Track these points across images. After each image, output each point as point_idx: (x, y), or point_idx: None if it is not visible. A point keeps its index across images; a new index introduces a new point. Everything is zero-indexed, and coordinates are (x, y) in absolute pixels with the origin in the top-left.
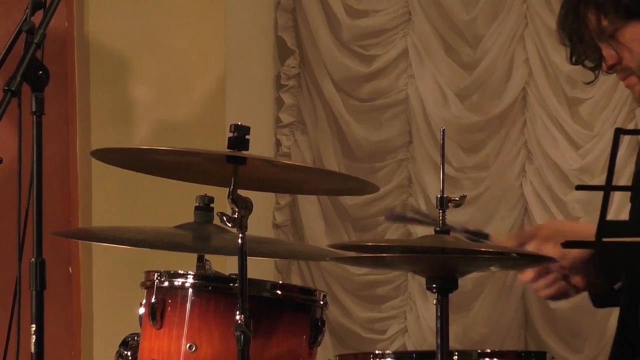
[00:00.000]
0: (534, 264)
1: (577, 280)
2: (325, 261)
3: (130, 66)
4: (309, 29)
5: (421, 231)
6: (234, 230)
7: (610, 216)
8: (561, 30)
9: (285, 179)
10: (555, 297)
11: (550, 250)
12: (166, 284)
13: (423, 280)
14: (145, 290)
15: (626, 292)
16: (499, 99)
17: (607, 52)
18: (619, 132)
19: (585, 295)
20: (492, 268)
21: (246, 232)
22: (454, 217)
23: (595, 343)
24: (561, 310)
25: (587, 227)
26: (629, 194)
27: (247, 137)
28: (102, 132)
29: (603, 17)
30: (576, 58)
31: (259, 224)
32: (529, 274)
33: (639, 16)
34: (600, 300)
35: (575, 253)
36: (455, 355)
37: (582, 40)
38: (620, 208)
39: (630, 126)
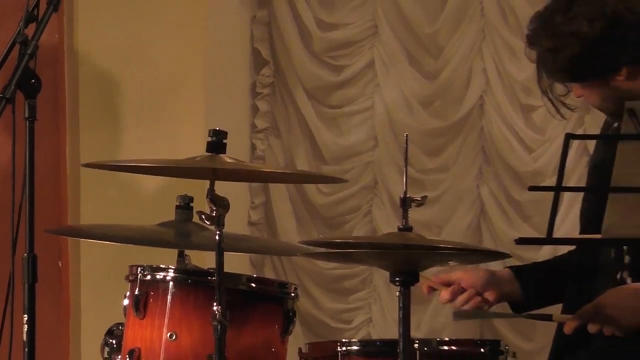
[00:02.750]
0: (489, 259)
1: (489, 295)
2: (297, 256)
3: (116, 76)
4: (283, 41)
5: (385, 229)
6: (212, 227)
7: (559, 214)
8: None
9: (260, 177)
10: (461, 315)
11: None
12: (149, 277)
13: (387, 274)
14: (129, 283)
15: (571, 285)
16: (458, 106)
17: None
18: (569, 137)
19: None
20: (451, 263)
21: (223, 229)
22: (416, 215)
23: (545, 332)
24: None
25: (636, 287)
26: (577, 194)
27: (224, 141)
28: (90, 137)
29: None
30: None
31: (235, 222)
32: (445, 295)
33: (577, 80)
34: (517, 309)
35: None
36: (416, 343)
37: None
38: (569, 207)
39: (580, 131)
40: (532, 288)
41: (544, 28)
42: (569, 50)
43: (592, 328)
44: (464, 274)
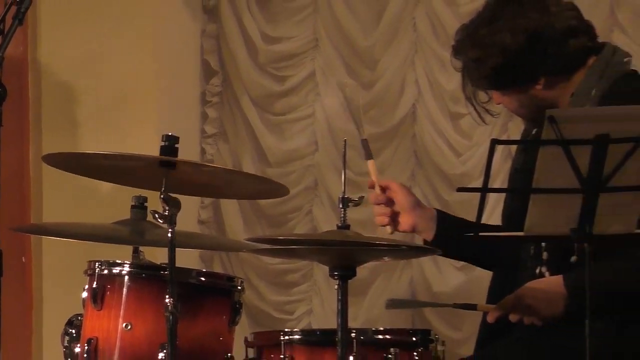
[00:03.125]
0: (420, 254)
1: (404, 220)
2: (243, 252)
3: (76, 85)
4: (230, 53)
5: (325, 227)
6: (165, 225)
7: (485, 213)
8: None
9: (210, 183)
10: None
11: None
12: (106, 271)
13: (326, 268)
14: (88, 277)
15: (494, 278)
16: (392, 114)
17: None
18: (494, 143)
19: (465, 280)
20: (385, 258)
21: (175, 227)
22: (353, 214)
23: (472, 322)
24: (442, 295)
25: (553, 281)
26: (501, 195)
27: (176, 145)
28: (52, 141)
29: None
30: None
31: (186, 220)
32: (372, 197)
33: (498, 88)
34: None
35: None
36: (353, 332)
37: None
38: (494, 207)
39: (504, 137)
40: (443, 236)
41: (470, 39)
42: (492, 60)
43: (513, 317)
44: (399, 189)
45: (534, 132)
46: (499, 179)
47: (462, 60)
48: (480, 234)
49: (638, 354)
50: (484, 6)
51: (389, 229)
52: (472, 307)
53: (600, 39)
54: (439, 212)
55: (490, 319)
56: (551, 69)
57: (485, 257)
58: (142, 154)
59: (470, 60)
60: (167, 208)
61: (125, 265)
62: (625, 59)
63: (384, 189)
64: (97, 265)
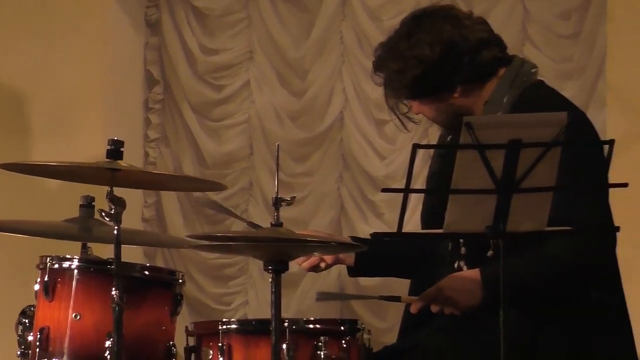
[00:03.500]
0: (346, 249)
1: (327, 257)
2: (184, 248)
3: (27, 93)
4: (171, 64)
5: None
6: (111, 223)
7: (407, 212)
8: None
9: (153, 182)
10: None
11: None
12: (56, 266)
13: (261, 263)
14: (40, 271)
15: (416, 272)
16: (321, 120)
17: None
18: (415, 147)
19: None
20: (315, 253)
21: (120, 225)
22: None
23: (395, 312)
24: (368, 287)
25: (471, 274)
26: (421, 196)
27: (121, 149)
28: (4, 146)
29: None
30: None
31: (131, 219)
32: (300, 259)
33: (418, 98)
34: (350, 272)
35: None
36: (286, 322)
37: (397, 105)
38: (415, 207)
39: (425, 142)
40: (362, 259)
41: (390, 53)
42: (412, 71)
43: (434, 308)
44: (312, 234)
45: (449, 138)
46: (420, 181)
47: (384, 74)
48: (403, 231)
49: (550, 342)
50: (401, 23)
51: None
52: (397, 298)
53: (512, 52)
54: (353, 237)
55: (413, 309)
56: (466, 78)
57: (401, 266)
58: (90, 163)
59: (391, 73)
60: (113, 207)
61: (74, 260)
62: (533, 70)
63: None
64: (48, 259)
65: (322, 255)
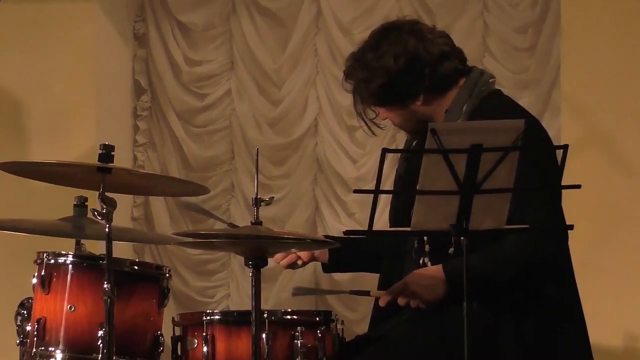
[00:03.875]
0: (320, 246)
1: (303, 255)
2: (170, 245)
3: (25, 101)
4: (158, 74)
5: (241, 223)
6: (103, 222)
7: (377, 212)
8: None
9: (141, 185)
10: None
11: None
12: (52, 261)
13: (242, 258)
14: (37, 266)
15: (384, 268)
16: (297, 126)
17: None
18: (384, 151)
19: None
20: (293, 250)
21: (111, 224)
22: (265, 212)
23: (366, 305)
24: (341, 282)
25: (434, 269)
26: (389, 197)
27: (112, 153)
28: (3, 152)
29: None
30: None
31: (121, 218)
32: (278, 256)
33: (384, 105)
34: (325, 268)
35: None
36: (265, 313)
37: (365, 112)
38: (384, 207)
39: (393, 146)
40: (335, 256)
41: (358, 63)
42: (378, 80)
43: (401, 301)
44: (289, 232)
45: (414, 143)
46: (389, 183)
47: (353, 82)
48: (374, 229)
49: (509, 331)
50: (369, 35)
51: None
52: (366, 293)
53: (473, 63)
54: (326, 236)
55: (382, 303)
56: (428, 87)
57: (371, 262)
58: (82, 162)
59: (359, 81)
60: (104, 207)
61: (69, 255)
62: (491, 80)
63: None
64: (45, 255)
65: (299, 252)
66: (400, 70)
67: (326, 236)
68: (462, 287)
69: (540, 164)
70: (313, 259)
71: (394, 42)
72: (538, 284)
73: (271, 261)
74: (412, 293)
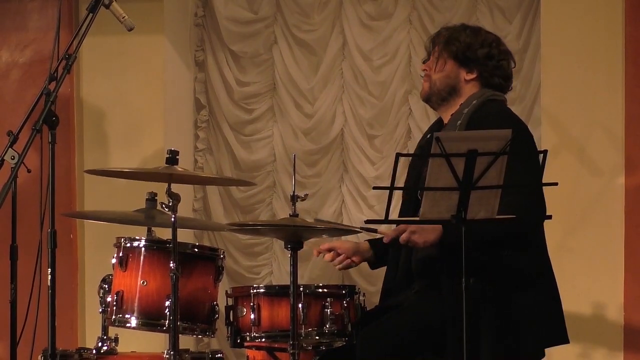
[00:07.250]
0: (347, 233)
1: (355, 258)
2: (224, 231)
3: (107, 114)
4: (214, 93)
5: (281, 214)
6: (169, 212)
7: (392, 205)
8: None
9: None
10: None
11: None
12: (129, 244)
13: (282, 242)
14: (116, 248)
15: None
16: (327, 135)
17: (430, 62)
18: (398, 155)
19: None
20: (324, 235)
21: (176, 214)
22: (301, 206)
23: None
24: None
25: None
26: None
27: (177, 157)
28: (91, 156)
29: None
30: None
31: (184, 209)
32: (328, 257)
33: (458, 60)
34: (371, 265)
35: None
36: (301, 287)
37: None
38: (398, 200)
39: (405, 151)
40: (379, 254)
41: (466, 31)
42: (467, 38)
43: (402, 238)
44: (340, 244)
45: (427, 136)
46: (401, 181)
47: (448, 34)
48: (389, 219)
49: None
50: (449, 28)
51: (340, 260)
52: (374, 231)
53: None
54: (370, 241)
55: (386, 240)
56: (481, 72)
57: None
58: (154, 171)
59: (457, 32)
60: (171, 200)
61: (142, 240)
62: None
63: (329, 250)
64: (122, 240)
65: (352, 257)
66: (481, 46)
67: (366, 221)
68: (456, 238)
69: (524, 165)
70: (363, 260)
71: (486, 32)
72: (515, 257)
73: (306, 244)
74: (412, 232)
